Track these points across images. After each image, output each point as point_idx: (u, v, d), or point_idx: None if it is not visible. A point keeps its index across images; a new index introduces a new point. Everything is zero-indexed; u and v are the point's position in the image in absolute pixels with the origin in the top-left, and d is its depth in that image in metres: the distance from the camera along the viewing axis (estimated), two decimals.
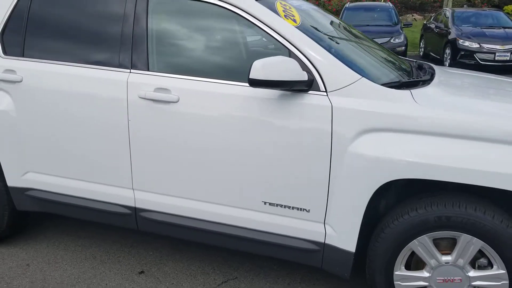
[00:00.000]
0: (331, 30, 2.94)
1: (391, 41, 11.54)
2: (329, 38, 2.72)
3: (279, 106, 2.44)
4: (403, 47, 11.55)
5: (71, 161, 2.90)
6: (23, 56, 2.96)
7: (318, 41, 2.51)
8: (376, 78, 2.46)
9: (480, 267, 2.31)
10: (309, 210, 2.49)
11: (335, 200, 2.41)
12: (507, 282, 2.24)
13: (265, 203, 2.57)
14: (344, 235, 2.43)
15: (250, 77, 2.27)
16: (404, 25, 12.75)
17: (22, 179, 3.05)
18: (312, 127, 2.38)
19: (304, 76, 2.36)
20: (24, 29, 2.97)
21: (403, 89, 2.39)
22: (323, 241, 2.49)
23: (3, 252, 3.24)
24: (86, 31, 2.84)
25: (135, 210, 2.84)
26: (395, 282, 2.41)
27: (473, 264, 2.32)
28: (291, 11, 2.70)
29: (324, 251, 2.50)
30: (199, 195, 2.68)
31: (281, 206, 2.54)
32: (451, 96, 2.47)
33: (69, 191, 2.96)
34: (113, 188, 2.86)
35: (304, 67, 2.42)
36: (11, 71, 2.94)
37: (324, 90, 2.40)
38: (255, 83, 2.28)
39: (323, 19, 3.06)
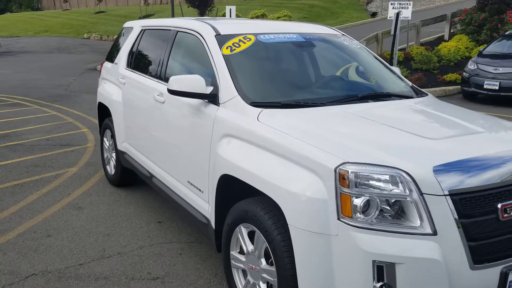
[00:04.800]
0: (283, 57, 3.56)
1: None
2: (258, 64, 3.40)
3: (198, 110, 3.34)
4: None
5: None
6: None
7: (235, 66, 3.25)
8: (253, 97, 3.05)
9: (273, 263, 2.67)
10: (202, 191, 3.30)
11: (209, 183, 3.16)
12: (276, 279, 2.56)
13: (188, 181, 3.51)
14: (210, 214, 3.16)
15: (167, 87, 3.29)
16: None
17: None
18: (207, 128, 3.20)
19: (206, 90, 3.22)
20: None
21: (258, 108, 2.92)
22: (208, 216, 3.26)
23: None
24: None
25: None
26: (231, 260, 2.98)
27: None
28: (244, 43, 3.47)
29: (208, 223, 3.26)
30: None
31: (192, 185, 3.43)
32: (295, 121, 2.77)
33: None
34: None
35: (216, 84, 3.25)
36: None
37: (219, 103, 3.18)
38: (171, 92, 3.28)
39: (289, 50, 3.65)
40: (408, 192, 2.21)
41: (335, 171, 2.27)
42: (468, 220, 2.23)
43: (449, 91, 12.02)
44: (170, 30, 4.18)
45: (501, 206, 2.30)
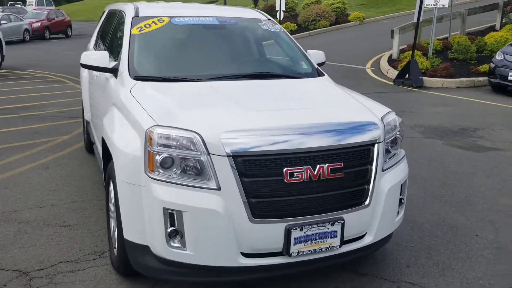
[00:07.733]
0: (187, 37, 3.92)
1: None
2: (158, 44, 3.80)
3: (107, 82, 3.82)
4: None
5: None
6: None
7: (136, 45, 3.68)
8: (140, 71, 3.47)
9: None
10: None
11: None
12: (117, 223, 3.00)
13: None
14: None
15: (80, 62, 3.79)
16: None
17: None
18: (109, 98, 3.67)
19: (109, 65, 3.68)
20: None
21: (135, 81, 3.34)
22: None
23: None
24: None
25: None
26: (109, 211, 3.45)
27: None
28: (155, 25, 3.89)
29: None
30: None
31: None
32: (155, 93, 3.17)
33: None
34: None
35: (119, 59, 3.70)
36: None
37: (117, 76, 3.64)
38: (81, 65, 3.78)
39: (196, 31, 3.99)
40: (200, 152, 2.55)
41: (146, 132, 2.66)
42: (249, 179, 2.53)
43: (478, 82, 11.59)
44: (116, 11, 4.68)
45: (286, 170, 2.58)
